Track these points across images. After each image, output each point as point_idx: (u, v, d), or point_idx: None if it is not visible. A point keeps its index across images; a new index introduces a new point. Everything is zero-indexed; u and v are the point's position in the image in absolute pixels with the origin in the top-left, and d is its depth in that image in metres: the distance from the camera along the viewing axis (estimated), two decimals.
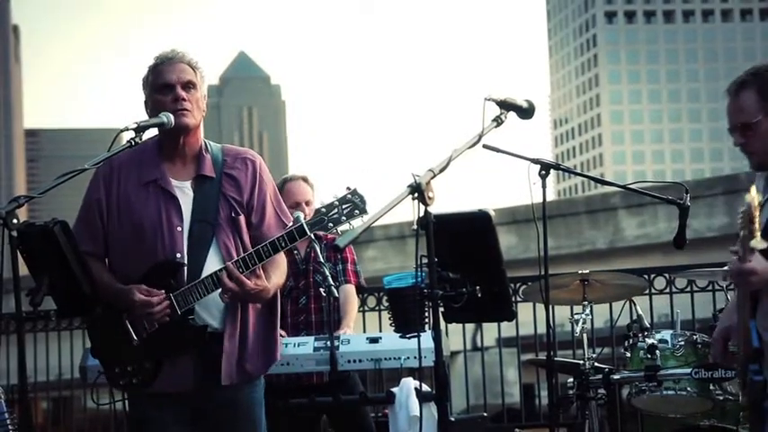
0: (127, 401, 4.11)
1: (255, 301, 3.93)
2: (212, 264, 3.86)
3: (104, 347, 4.03)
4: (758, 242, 3.22)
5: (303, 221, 3.81)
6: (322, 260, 5.31)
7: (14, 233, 3.56)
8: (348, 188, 3.77)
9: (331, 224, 3.75)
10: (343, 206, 3.74)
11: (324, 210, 3.76)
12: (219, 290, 3.82)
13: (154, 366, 3.90)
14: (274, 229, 3.96)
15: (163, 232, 3.87)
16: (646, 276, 6.42)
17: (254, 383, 4.02)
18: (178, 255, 3.86)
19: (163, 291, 3.82)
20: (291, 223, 3.94)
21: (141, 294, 3.82)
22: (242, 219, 3.95)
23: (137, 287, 3.82)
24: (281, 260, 4.03)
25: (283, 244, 3.83)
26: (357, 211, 3.73)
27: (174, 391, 3.89)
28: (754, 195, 3.19)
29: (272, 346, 4.06)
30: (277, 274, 3.99)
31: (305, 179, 5.58)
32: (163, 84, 3.91)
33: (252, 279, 3.82)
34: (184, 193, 3.94)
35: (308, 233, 3.78)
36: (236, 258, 3.83)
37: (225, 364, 3.88)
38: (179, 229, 3.89)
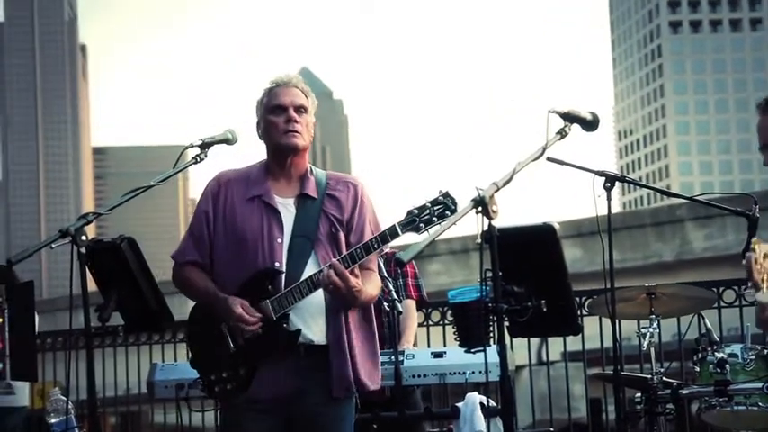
0: (220, 410, 4.20)
1: (352, 302, 3.97)
2: (310, 273, 3.94)
3: (203, 355, 4.12)
4: (764, 295, 3.15)
5: (396, 223, 3.85)
6: (384, 275, 5.32)
7: (83, 250, 3.63)
8: (440, 190, 3.81)
9: (422, 225, 3.79)
10: (435, 207, 3.77)
11: (416, 211, 3.81)
12: (316, 296, 3.90)
13: (248, 373, 3.96)
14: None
15: (263, 243, 3.98)
16: (714, 289, 6.33)
17: (349, 399, 4.05)
18: (277, 263, 3.96)
19: (260, 315, 3.90)
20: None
21: (241, 308, 3.90)
22: (341, 236, 4.05)
23: (240, 300, 3.92)
24: (376, 275, 4.13)
25: (376, 245, 3.91)
26: (448, 213, 3.76)
27: (267, 399, 3.94)
28: (755, 248, 3.10)
29: (377, 360, 4.12)
30: (371, 285, 4.05)
31: None
32: (276, 105, 4.05)
33: (352, 277, 3.89)
34: (287, 209, 4.05)
35: (400, 233, 3.82)
36: (331, 261, 3.91)
37: (335, 375, 3.95)
38: (279, 240, 3.99)
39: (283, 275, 3.94)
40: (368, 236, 4.08)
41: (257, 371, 3.96)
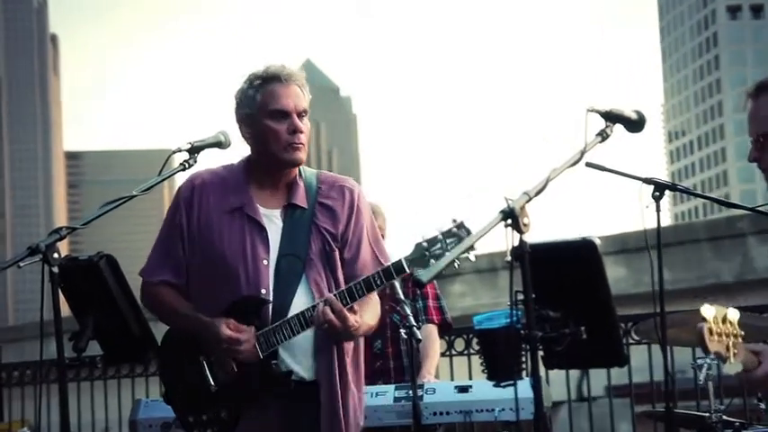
0: None
1: (348, 339, 3.98)
2: (300, 302, 3.92)
3: (178, 393, 4.09)
4: (731, 366, 3.18)
5: (402, 258, 3.83)
6: (401, 297, 5.32)
7: (55, 269, 3.63)
8: (454, 220, 3.79)
9: (433, 260, 3.77)
10: (448, 240, 3.75)
11: (425, 244, 3.78)
12: (306, 331, 3.88)
13: (231, 416, 3.95)
14: (369, 268, 4.00)
15: (247, 265, 3.94)
16: None
17: None
18: (263, 290, 3.93)
19: (253, 327, 3.88)
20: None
21: (228, 329, 3.87)
22: (336, 254, 4.01)
23: (225, 320, 3.88)
24: (375, 300, 4.08)
25: (379, 282, 3.87)
26: (461, 248, 3.76)
27: None
28: (705, 316, 3.14)
29: (362, 398, 4.13)
30: (369, 314, 4.03)
31: (374, 208, 5.62)
32: (278, 110, 3.96)
33: (350, 314, 3.87)
34: (273, 222, 4.01)
35: (407, 270, 3.80)
36: (335, 293, 3.88)
37: (324, 419, 3.93)
38: (265, 262, 3.95)
39: (271, 305, 3.92)
40: (365, 250, 4.06)
41: (241, 413, 3.94)
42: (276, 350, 3.90)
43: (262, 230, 3.98)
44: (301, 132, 3.97)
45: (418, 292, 5.56)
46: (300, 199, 4.03)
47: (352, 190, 4.10)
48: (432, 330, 5.56)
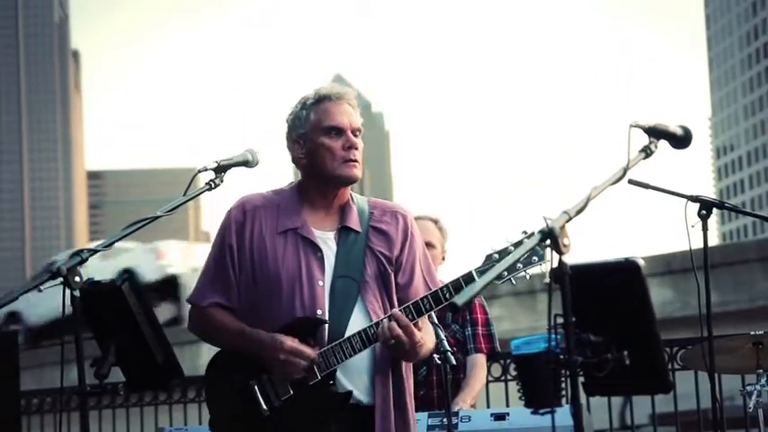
0: None
1: (413, 358, 4.05)
2: (357, 323, 3.98)
3: (226, 418, 4.13)
4: None
5: (473, 269, 3.87)
6: (449, 321, 5.33)
7: (77, 293, 3.65)
8: (524, 231, 3.84)
9: (506, 272, 3.81)
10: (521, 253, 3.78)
11: (496, 255, 3.86)
12: (364, 353, 3.94)
13: None
14: (421, 293, 4.06)
15: (302, 286, 4.01)
16: None
17: None
18: (319, 311, 3.98)
19: (315, 350, 3.93)
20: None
21: (292, 342, 3.92)
22: (391, 277, 4.09)
23: (289, 337, 3.94)
24: (428, 326, 4.16)
25: (448, 295, 3.93)
26: (536, 258, 3.78)
27: None
28: None
29: (412, 425, 4.16)
30: (429, 335, 4.12)
31: (435, 221, 5.63)
32: (332, 126, 4.06)
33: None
34: (327, 245, 4.08)
35: (481, 289, 3.83)
36: (386, 315, 3.95)
37: None
38: (321, 283, 4.02)
39: (327, 326, 3.97)
40: (418, 276, 4.13)
41: None
42: (334, 372, 3.95)
43: (317, 251, 4.05)
44: (356, 149, 4.07)
45: (468, 317, 5.57)
46: (354, 222, 4.11)
47: (405, 216, 4.19)
48: (480, 361, 5.56)
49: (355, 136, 4.08)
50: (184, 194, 4.05)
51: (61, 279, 3.63)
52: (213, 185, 4.05)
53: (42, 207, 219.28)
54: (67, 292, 3.62)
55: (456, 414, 5.02)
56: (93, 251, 3.85)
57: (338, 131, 4.05)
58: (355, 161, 4.05)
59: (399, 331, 3.87)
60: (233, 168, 4.08)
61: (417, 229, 4.23)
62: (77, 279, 3.65)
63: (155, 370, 3.99)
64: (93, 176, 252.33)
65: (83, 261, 3.72)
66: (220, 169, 4.05)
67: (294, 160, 4.16)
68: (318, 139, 4.06)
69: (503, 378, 7.30)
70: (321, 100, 4.09)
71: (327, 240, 4.08)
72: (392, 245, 4.11)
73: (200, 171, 4.04)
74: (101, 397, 8.33)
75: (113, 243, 3.92)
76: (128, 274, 3.98)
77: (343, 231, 4.10)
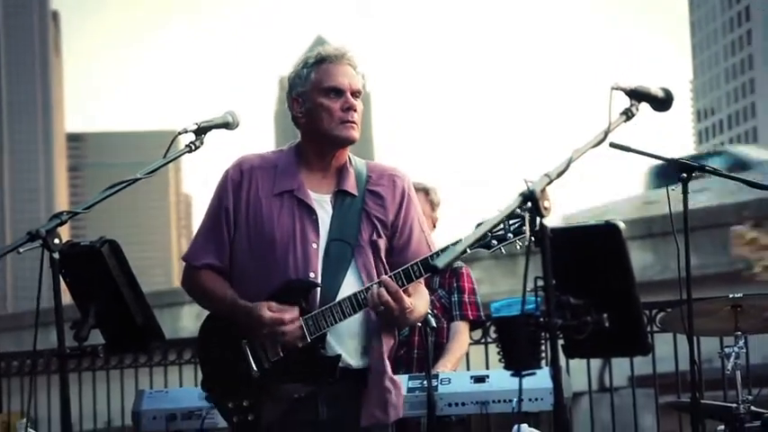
0: None
1: (403, 324, 4.11)
2: (349, 287, 4.00)
3: (217, 378, 4.15)
4: (759, 274, 3.43)
5: (463, 238, 3.87)
6: (435, 287, 5.34)
7: (56, 255, 3.65)
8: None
9: (495, 242, 3.82)
10: (510, 221, 3.78)
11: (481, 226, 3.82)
12: (356, 316, 3.97)
13: (275, 402, 4.01)
14: (422, 255, 4.08)
15: (296, 248, 4.02)
16: None
17: (386, 430, 4.14)
18: (312, 274, 4.00)
19: (296, 307, 3.95)
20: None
21: (270, 311, 3.94)
22: (383, 242, 4.11)
23: (266, 303, 3.96)
24: (423, 290, 4.19)
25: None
26: (525, 227, 3.78)
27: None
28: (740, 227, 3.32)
29: (399, 388, 4.21)
30: (421, 301, 4.14)
31: (426, 191, 5.62)
32: (332, 87, 4.06)
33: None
34: (323, 208, 4.10)
35: (468, 250, 3.84)
36: (376, 281, 3.96)
37: (367, 403, 4.04)
38: (314, 246, 4.03)
39: (319, 289, 3.99)
40: (417, 239, 4.15)
41: (284, 399, 4.01)
42: (324, 335, 3.97)
43: (312, 214, 4.07)
44: (355, 110, 4.07)
45: (455, 284, 5.59)
46: (351, 186, 4.12)
47: (403, 179, 4.20)
48: (462, 328, 5.59)
49: (355, 98, 4.08)
50: (164, 156, 4.03)
51: (40, 241, 3.62)
52: (193, 147, 4.04)
53: (22, 169, 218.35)
54: (47, 254, 3.62)
55: (436, 376, 5.04)
56: (73, 213, 3.84)
57: (337, 92, 4.06)
58: (353, 122, 4.06)
59: (388, 298, 3.89)
60: (213, 130, 4.07)
61: (414, 193, 4.24)
62: (56, 241, 3.65)
63: (135, 332, 3.99)
64: (74, 138, 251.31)
65: (62, 223, 3.71)
66: (200, 131, 4.04)
67: (293, 119, 4.16)
68: (317, 98, 4.07)
69: (483, 341, 7.33)
70: (322, 60, 4.10)
71: (323, 203, 4.09)
72: (387, 209, 4.12)
73: (180, 133, 4.03)
74: (81, 359, 8.32)
75: (93, 205, 3.91)
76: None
77: (340, 194, 4.11)
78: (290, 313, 3.94)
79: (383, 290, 3.89)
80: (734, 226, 4.39)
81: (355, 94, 4.08)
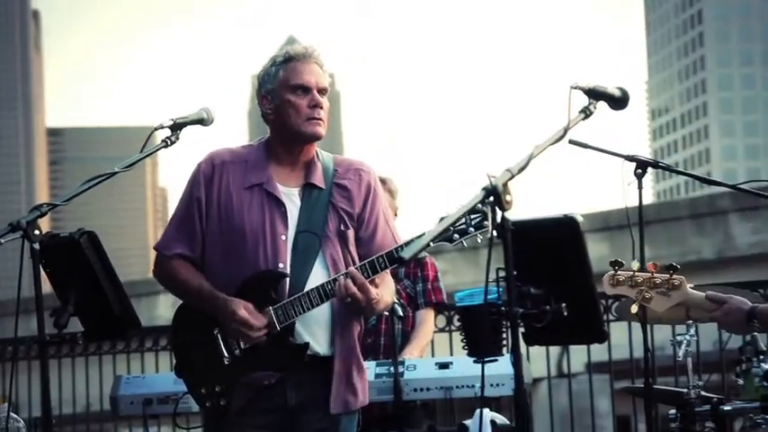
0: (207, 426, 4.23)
1: (369, 313, 4.10)
2: (317, 277, 3.99)
3: (190, 365, 4.14)
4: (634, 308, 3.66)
5: (426, 232, 3.86)
6: (401, 277, 5.33)
7: (36, 246, 3.63)
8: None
9: (457, 235, 3.82)
10: (472, 216, 3.79)
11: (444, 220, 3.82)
12: (323, 306, 3.96)
13: (245, 388, 4.00)
14: (388, 246, 4.07)
15: (265, 240, 4.01)
16: (761, 291, 6.35)
17: (352, 416, 4.14)
18: (281, 265, 3.99)
19: (267, 320, 3.94)
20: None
21: (245, 312, 3.93)
22: (350, 233, 4.10)
23: (244, 303, 3.95)
24: (389, 280, 4.19)
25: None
26: (487, 222, 3.78)
27: (265, 418, 4.01)
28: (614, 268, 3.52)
29: (365, 375, 4.21)
30: (387, 290, 4.13)
31: (384, 181, 5.62)
32: (299, 85, 4.05)
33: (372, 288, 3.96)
34: (291, 200, 4.08)
35: (431, 244, 3.84)
36: (343, 273, 3.96)
37: (335, 390, 4.03)
38: (283, 237, 4.02)
39: (288, 279, 3.98)
40: (382, 230, 4.14)
41: (254, 385, 4.00)
42: (293, 324, 3.96)
43: (281, 207, 4.05)
44: (321, 108, 4.06)
45: (419, 273, 5.59)
46: (318, 179, 4.10)
47: (369, 172, 4.19)
48: (428, 316, 5.59)
49: (321, 95, 4.07)
50: (141, 151, 4.03)
51: (21, 232, 3.61)
52: (169, 142, 4.04)
53: (3, 163, 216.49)
54: (27, 245, 3.61)
55: (402, 363, 5.04)
56: (53, 205, 3.84)
57: (304, 90, 4.05)
58: (320, 119, 4.05)
59: (355, 289, 3.88)
60: (188, 126, 4.07)
61: (380, 186, 4.24)
62: (37, 232, 3.63)
63: (112, 320, 3.98)
64: (54, 133, 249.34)
65: (42, 215, 3.71)
66: (176, 127, 4.04)
67: (263, 115, 4.15)
68: (285, 95, 4.05)
69: (447, 329, 7.34)
70: (290, 59, 4.09)
71: (292, 196, 4.08)
72: (354, 201, 4.11)
73: (156, 129, 4.03)
74: (60, 346, 8.35)
75: (73, 198, 3.90)
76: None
77: (308, 188, 4.09)
78: (261, 321, 3.93)
79: (350, 281, 3.89)
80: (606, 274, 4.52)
81: (322, 91, 4.08)
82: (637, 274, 3.89)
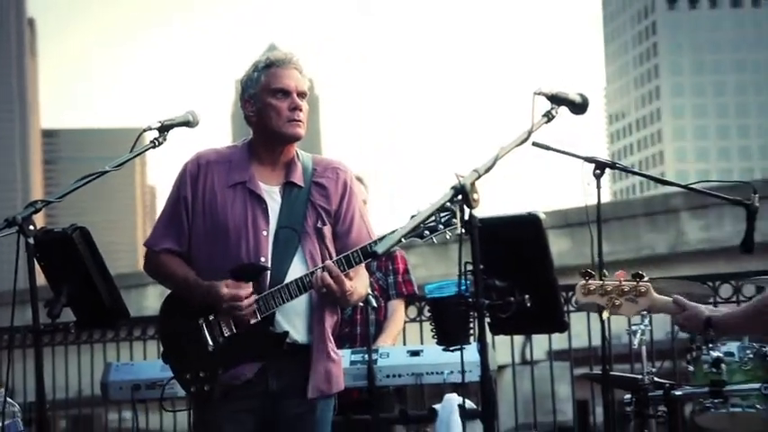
0: (194, 410, 4.23)
1: (344, 305, 4.12)
2: (296, 270, 4.00)
3: (176, 352, 4.14)
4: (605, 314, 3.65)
5: (398, 228, 3.85)
6: (373, 270, 5.32)
7: (31, 241, 3.61)
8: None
9: (427, 232, 3.81)
10: (441, 214, 3.78)
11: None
12: (302, 297, 3.96)
13: (227, 374, 3.99)
14: (363, 241, 4.08)
15: (248, 235, 4.01)
16: (710, 284, 6.37)
17: (329, 400, 4.14)
18: (262, 258, 3.99)
19: (250, 284, 3.94)
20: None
21: (228, 288, 3.93)
22: (327, 229, 4.10)
23: (223, 282, 3.95)
24: (364, 272, 4.19)
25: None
26: (455, 220, 3.78)
27: (247, 403, 4.01)
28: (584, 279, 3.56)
29: (340, 362, 4.22)
30: (361, 284, 4.13)
31: (359, 179, 5.62)
32: (279, 89, 4.06)
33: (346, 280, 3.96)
34: (272, 198, 4.08)
35: (403, 240, 3.83)
36: (320, 266, 3.96)
37: (312, 377, 4.02)
38: (264, 233, 4.02)
39: (269, 272, 3.98)
40: (357, 226, 4.14)
41: (237, 372, 3.99)
42: (273, 314, 3.97)
43: (262, 204, 4.05)
44: (300, 110, 4.06)
45: (390, 266, 5.59)
46: (298, 178, 4.10)
47: (346, 172, 4.19)
48: (398, 306, 5.58)
49: (301, 99, 4.07)
50: (131, 151, 4.02)
51: (16, 227, 3.59)
52: (157, 143, 4.02)
53: (0, 163, 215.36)
54: (22, 239, 3.59)
55: (376, 351, 5.04)
56: (47, 202, 3.82)
57: (285, 93, 4.05)
58: (299, 121, 4.06)
59: (330, 281, 3.89)
60: (175, 128, 4.06)
61: (356, 184, 4.25)
62: (32, 228, 3.61)
63: (103, 310, 3.96)
64: (48, 135, 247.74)
65: (37, 211, 3.69)
66: (164, 129, 4.03)
67: (246, 118, 4.15)
68: (267, 99, 4.06)
69: (418, 319, 7.32)
70: (271, 64, 4.09)
71: (273, 194, 4.08)
72: (331, 199, 4.11)
73: (145, 130, 4.02)
74: (53, 334, 8.29)
75: (66, 195, 3.89)
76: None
77: (288, 186, 4.09)
78: (246, 290, 3.93)
79: (326, 274, 3.89)
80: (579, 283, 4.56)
81: (301, 95, 4.08)
82: (606, 283, 3.91)
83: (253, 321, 3.95)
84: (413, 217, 3.79)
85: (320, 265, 3.95)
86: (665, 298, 4.00)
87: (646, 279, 4.00)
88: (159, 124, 4.02)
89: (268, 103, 4.05)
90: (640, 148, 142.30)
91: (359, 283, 4.09)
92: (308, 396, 4.01)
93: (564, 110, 3.66)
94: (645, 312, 4.99)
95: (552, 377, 7.54)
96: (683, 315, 3.86)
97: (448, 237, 3.87)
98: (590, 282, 3.79)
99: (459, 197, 3.23)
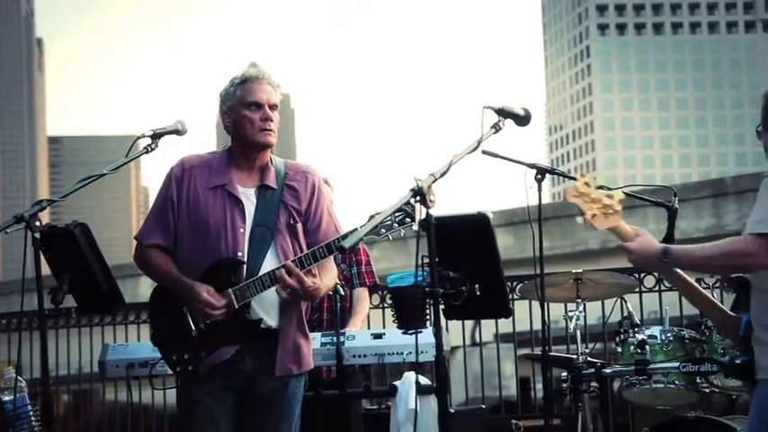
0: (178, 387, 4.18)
1: (309, 299, 4.07)
2: (270, 264, 3.96)
3: (164, 335, 4.10)
4: (580, 219, 3.44)
5: (358, 227, 3.84)
6: (339, 261, 5.30)
7: (37, 235, 3.59)
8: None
9: (383, 230, 3.79)
10: (396, 213, 3.77)
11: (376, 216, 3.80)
12: (275, 287, 3.92)
13: (209, 356, 3.97)
14: (331, 236, 4.05)
15: (227, 232, 3.98)
16: (636, 275, 6.40)
17: (299, 378, 4.11)
18: (239, 253, 3.96)
19: (225, 301, 3.91)
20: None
21: (208, 295, 3.90)
22: (299, 226, 4.07)
23: (206, 287, 3.92)
24: (331, 265, 4.15)
25: (335, 248, 3.92)
26: (408, 219, 3.77)
27: (226, 381, 3.98)
28: (582, 180, 3.35)
29: (310, 344, 4.19)
30: (328, 276, 4.10)
31: (326, 181, 5.60)
32: (252, 102, 4.03)
33: (308, 277, 3.92)
34: (249, 199, 4.05)
35: (364, 237, 3.82)
36: (292, 259, 3.93)
37: (280, 357, 3.99)
38: (241, 230, 3.99)
39: (245, 266, 3.95)
40: (326, 223, 4.11)
41: (217, 353, 3.97)
42: (249, 302, 3.94)
43: (239, 204, 4.02)
44: (271, 121, 4.04)
45: (354, 258, 5.56)
46: (271, 181, 4.07)
47: (314, 175, 4.17)
48: (363, 294, 5.56)
49: (272, 110, 4.05)
50: (127, 156, 4.00)
51: (24, 223, 3.56)
52: (150, 149, 4.01)
53: (11, 166, 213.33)
54: (29, 234, 3.56)
55: (343, 334, 5.02)
56: (52, 201, 3.81)
57: (258, 106, 4.02)
58: (270, 130, 4.03)
59: (290, 281, 3.86)
60: (166, 136, 4.04)
61: (324, 186, 4.23)
62: (38, 224, 3.59)
63: (101, 297, 3.94)
64: (54, 141, 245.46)
65: (42, 209, 3.69)
66: (156, 136, 4.02)
67: (225, 128, 4.13)
68: (242, 111, 4.03)
69: (380, 306, 7.31)
70: (246, 80, 4.06)
71: (249, 195, 4.05)
72: (301, 200, 4.08)
73: (139, 137, 4.01)
74: (57, 319, 8.22)
75: (68, 194, 3.88)
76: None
77: (263, 188, 4.06)
78: (221, 302, 3.91)
79: (284, 273, 3.87)
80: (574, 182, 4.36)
81: (272, 107, 4.05)
82: (594, 192, 3.59)
83: (230, 310, 3.92)
84: (371, 216, 3.78)
85: (280, 265, 3.91)
86: (629, 227, 3.76)
87: (622, 205, 3.70)
88: (152, 132, 4.01)
89: (243, 115, 4.02)
90: (576, 156, 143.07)
91: (326, 276, 4.06)
92: (276, 374, 3.98)
93: (510, 122, 3.66)
94: (579, 300, 5.03)
95: (498, 357, 7.54)
96: (637, 241, 3.65)
97: (402, 234, 3.86)
98: (582, 188, 3.54)
99: (418, 198, 3.23)
